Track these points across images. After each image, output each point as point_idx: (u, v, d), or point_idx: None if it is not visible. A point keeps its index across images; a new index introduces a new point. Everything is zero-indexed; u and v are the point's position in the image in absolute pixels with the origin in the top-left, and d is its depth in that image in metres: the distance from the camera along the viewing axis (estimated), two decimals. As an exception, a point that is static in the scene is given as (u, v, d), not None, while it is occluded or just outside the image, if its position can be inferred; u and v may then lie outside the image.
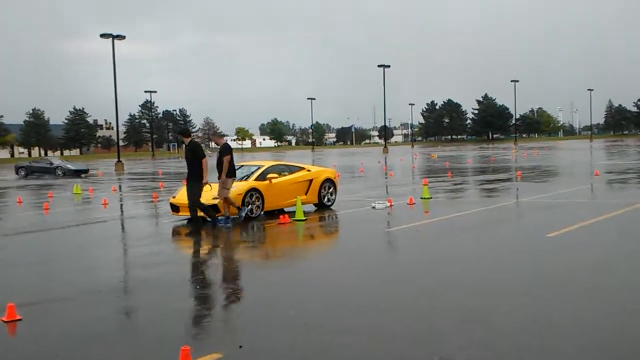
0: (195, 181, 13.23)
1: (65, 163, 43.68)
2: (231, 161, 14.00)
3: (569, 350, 5.40)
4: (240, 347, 5.68)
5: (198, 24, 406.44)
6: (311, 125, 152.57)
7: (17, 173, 43.05)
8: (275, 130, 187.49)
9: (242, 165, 17.22)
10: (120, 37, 52.54)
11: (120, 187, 30.33)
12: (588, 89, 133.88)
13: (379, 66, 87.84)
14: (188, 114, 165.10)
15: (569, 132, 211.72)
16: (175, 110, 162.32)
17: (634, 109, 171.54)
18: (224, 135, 15.60)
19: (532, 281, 7.98)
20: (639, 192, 19.51)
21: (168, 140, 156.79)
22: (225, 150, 14.04)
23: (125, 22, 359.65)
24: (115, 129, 59.30)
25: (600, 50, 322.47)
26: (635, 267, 8.63)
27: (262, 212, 15.24)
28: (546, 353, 5.33)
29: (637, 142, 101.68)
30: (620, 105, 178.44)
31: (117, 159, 53.55)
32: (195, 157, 13.29)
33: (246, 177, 15.49)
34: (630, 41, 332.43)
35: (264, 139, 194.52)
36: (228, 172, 13.88)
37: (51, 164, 43.18)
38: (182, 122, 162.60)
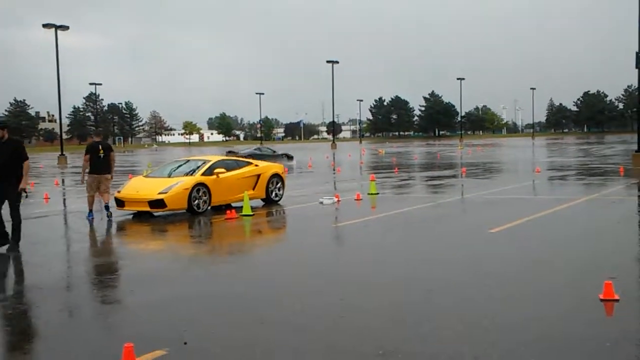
0: (10, 185, 10.41)
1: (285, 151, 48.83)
2: (90, 160, 14.59)
3: (502, 340, 5.56)
4: (185, 343, 5.64)
5: (145, 16, 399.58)
6: (260, 120, 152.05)
7: None
8: (224, 124, 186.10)
9: (189, 160, 17.08)
10: (64, 28, 51.27)
11: (63, 181, 29.63)
12: (531, 88, 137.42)
13: (327, 62, 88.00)
14: (134, 107, 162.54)
15: (512, 129, 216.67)
16: (121, 104, 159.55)
17: (574, 108, 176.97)
18: (98, 134, 15.95)
19: (473, 276, 8.16)
20: (578, 188, 20.16)
21: (114, 134, 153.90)
22: (86, 149, 14.90)
23: (68, 12, 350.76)
24: (58, 121, 57.78)
25: (542, 50, 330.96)
26: (573, 263, 8.90)
27: (209, 207, 15.14)
28: (481, 344, 5.47)
29: (576, 139, 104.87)
30: (560, 104, 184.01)
31: (60, 153, 52.34)
32: (17, 157, 10.44)
33: (192, 172, 15.37)
34: (571, 42, 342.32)
35: (212, 134, 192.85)
36: (88, 169, 14.66)
37: (274, 152, 46.38)
38: (128, 115, 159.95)
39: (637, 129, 33.71)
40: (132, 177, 18.48)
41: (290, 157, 44.64)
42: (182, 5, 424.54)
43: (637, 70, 30.73)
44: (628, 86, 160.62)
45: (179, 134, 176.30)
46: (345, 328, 6.06)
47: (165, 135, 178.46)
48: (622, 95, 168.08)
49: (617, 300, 6.58)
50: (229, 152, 46.23)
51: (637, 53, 30.31)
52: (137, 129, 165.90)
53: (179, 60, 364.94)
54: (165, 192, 14.37)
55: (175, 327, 6.19)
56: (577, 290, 7.27)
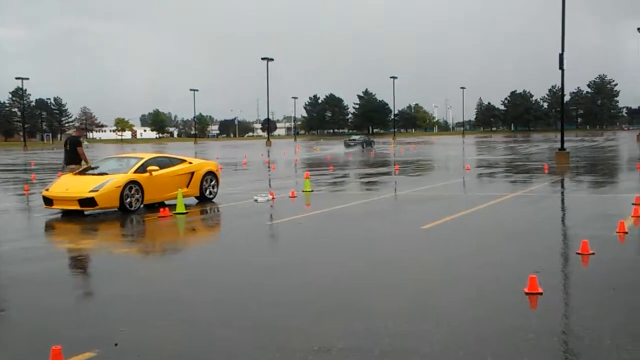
0: None
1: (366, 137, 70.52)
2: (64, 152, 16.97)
3: (434, 334, 5.71)
4: (116, 344, 5.55)
5: (74, 9, 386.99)
6: (194, 117, 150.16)
7: (362, 147, 59.50)
8: (157, 121, 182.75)
9: (121, 157, 16.77)
10: (-13, 19, 49.40)
11: (-14, 179, 28.53)
12: (461, 87, 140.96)
13: (262, 59, 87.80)
14: (64, 103, 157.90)
15: (443, 127, 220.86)
16: (49, 99, 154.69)
17: (502, 107, 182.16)
18: (76, 129, 20.35)
19: (405, 272, 8.33)
20: (505, 185, 20.80)
21: (42, 130, 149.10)
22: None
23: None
24: (-19, 117, 55.65)
25: (472, 50, 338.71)
26: (500, 257, 9.20)
27: (142, 205, 14.89)
28: (414, 338, 5.61)
29: (503, 137, 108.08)
30: (489, 103, 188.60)
31: (-17, 149, 50.41)
32: None
33: (124, 170, 15.08)
34: (500, 43, 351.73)
35: (144, 131, 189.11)
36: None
37: (368, 138, 67.03)
38: (57, 111, 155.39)
39: (561, 128, 35.01)
40: (62, 174, 17.98)
41: (373, 145, 64.05)
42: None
43: (560, 71, 31.91)
44: (552, 86, 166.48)
45: (110, 131, 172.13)
46: (280, 327, 6.08)
47: (97, 132, 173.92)
48: (547, 95, 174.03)
49: (541, 294, 6.85)
50: (350, 140, 61.11)
51: (560, 54, 31.50)
52: (66, 125, 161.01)
53: (110, 56, 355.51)
54: (96, 190, 14.04)
55: (105, 328, 6.08)
56: (503, 283, 7.52)
